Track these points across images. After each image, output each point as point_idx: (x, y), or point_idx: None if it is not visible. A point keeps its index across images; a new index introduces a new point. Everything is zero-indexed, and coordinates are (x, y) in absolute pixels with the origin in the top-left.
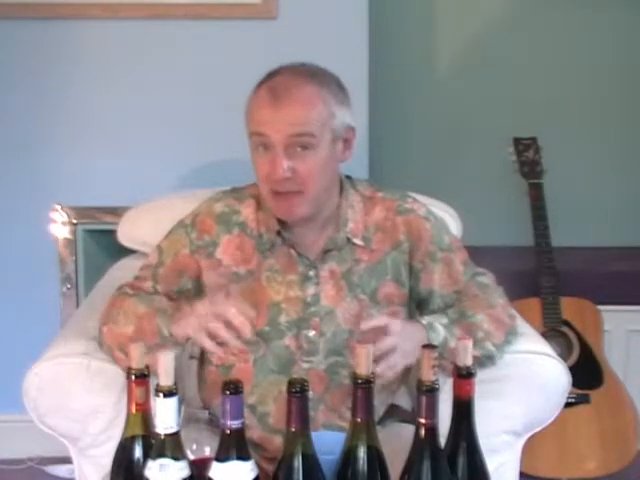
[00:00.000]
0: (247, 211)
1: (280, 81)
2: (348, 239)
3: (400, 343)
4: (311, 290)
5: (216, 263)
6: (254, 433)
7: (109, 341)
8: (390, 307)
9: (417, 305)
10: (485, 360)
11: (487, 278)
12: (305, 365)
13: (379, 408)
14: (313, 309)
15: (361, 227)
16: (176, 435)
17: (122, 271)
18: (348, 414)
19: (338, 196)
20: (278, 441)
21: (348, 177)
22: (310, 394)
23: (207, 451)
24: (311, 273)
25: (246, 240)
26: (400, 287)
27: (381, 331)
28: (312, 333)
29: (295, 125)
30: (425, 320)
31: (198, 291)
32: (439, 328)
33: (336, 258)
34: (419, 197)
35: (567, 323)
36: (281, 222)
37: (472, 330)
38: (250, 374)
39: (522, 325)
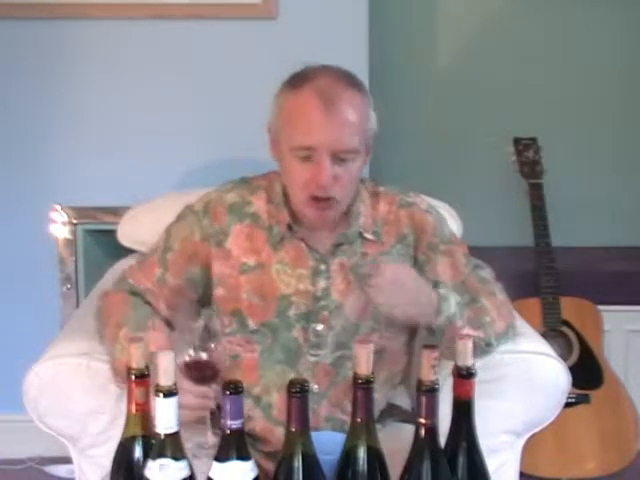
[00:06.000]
0: (259, 203)
1: (326, 85)
2: (360, 233)
3: (387, 288)
4: (322, 284)
5: (226, 253)
6: (257, 424)
7: (106, 344)
8: None
9: None
10: (484, 347)
11: (487, 273)
12: (312, 359)
13: (380, 402)
14: (323, 303)
15: (371, 222)
16: (176, 435)
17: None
18: (350, 408)
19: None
20: (280, 433)
21: None
22: (315, 388)
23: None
24: (322, 267)
25: (257, 231)
26: None
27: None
28: (320, 327)
29: (345, 139)
30: (442, 291)
31: (206, 283)
32: (452, 303)
33: (347, 252)
34: None
35: (567, 323)
36: (292, 215)
37: (481, 314)
38: (256, 365)
39: (522, 325)
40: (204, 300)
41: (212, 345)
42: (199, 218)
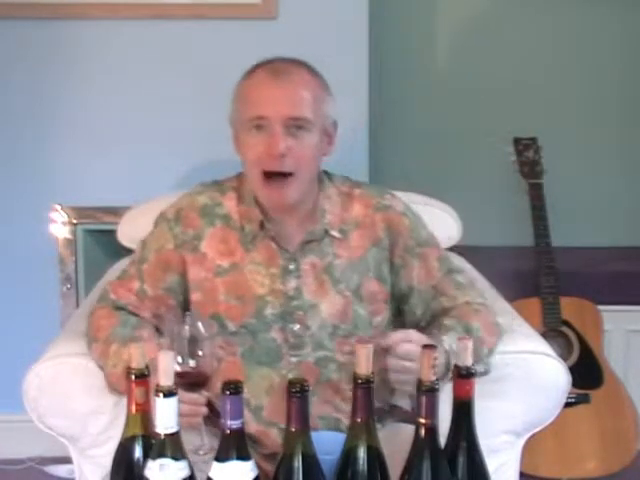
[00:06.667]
0: (230, 203)
1: (277, 65)
2: (326, 231)
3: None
4: (292, 283)
5: (201, 257)
6: (250, 427)
7: (99, 361)
8: (374, 304)
9: (398, 301)
10: (481, 374)
11: (463, 277)
12: (293, 359)
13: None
14: (296, 303)
15: (338, 220)
16: (176, 435)
17: None
18: (342, 406)
19: (317, 190)
20: (274, 434)
21: (325, 172)
22: None
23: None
24: (291, 266)
25: (230, 232)
26: (382, 284)
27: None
28: (297, 327)
29: (295, 106)
30: (447, 344)
31: (185, 289)
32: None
33: (316, 251)
34: (419, 197)
35: (567, 323)
36: (264, 213)
37: (477, 347)
38: (239, 368)
39: (522, 325)
40: (185, 306)
41: (199, 352)
42: (171, 226)
